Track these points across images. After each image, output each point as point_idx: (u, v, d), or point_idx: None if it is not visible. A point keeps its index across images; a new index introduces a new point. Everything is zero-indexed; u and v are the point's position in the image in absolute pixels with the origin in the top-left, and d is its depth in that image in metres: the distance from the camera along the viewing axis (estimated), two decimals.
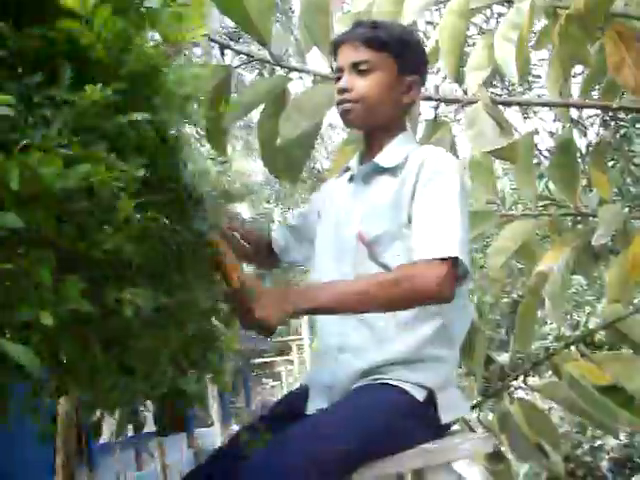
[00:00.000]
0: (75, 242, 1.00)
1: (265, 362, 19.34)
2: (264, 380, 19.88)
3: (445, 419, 1.51)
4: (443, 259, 1.41)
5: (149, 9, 1.24)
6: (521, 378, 2.27)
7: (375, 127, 1.66)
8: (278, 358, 18.95)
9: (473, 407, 2.24)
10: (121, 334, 1.21)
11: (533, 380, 2.72)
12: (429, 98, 2.16)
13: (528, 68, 2.34)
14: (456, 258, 1.42)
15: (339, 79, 1.64)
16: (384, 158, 1.63)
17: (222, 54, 2.33)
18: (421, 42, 1.73)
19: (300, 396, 1.62)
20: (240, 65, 2.28)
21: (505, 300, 5.91)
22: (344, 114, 1.63)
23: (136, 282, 1.13)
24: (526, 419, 2.17)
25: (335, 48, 1.67)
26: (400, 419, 1.45)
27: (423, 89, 1.76)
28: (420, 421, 1.48)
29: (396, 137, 1.66)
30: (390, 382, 1.49)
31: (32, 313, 0.88)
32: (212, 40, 2.27)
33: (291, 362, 18.20)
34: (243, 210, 14.54)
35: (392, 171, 1.60)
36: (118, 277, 1.12)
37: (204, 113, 1.38)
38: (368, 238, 1.57)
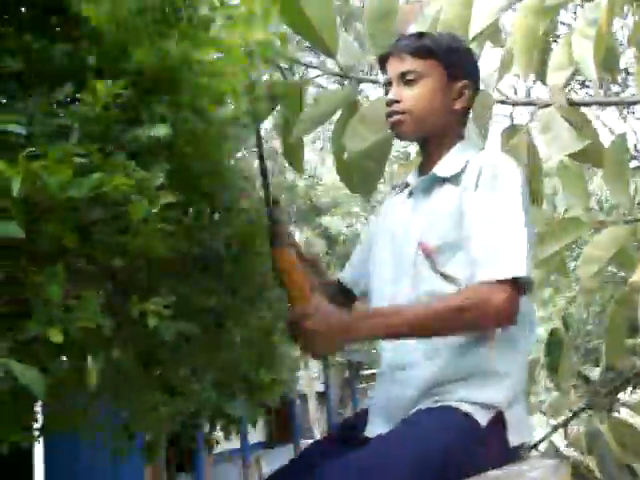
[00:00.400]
0: (92, 253, 1.00)
1: (373, 374, 19.23)
2: (369, 393, 19.80)
3: (514, 441, 1.42)
4: (507, 279, 1.34)
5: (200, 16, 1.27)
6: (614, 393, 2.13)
7: (429, 137, 1.60)
8: None
9: (560, 426, 2.12)
10: (159, 351, 1.21)
11: (627, 396, 2.56)
12: (503, 102, 2.06)
13: (614, 66, 2.20)
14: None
15: (388, 92, 1.60)
16: (442, 168, 1.56)
17: (291, 68, 2.30)
18: (471, 49, 1.66)
19: (362, 418, 1.57)
20: (312, 79, 2.24)
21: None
22: (395, 126, 1.59)
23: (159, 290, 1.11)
24: (618, 438, 2.03)
25: (383, 62, 1.63)
26: (461, 449, 1.35)
27: (497, 93, 1.69)
28: (485, 447, 1.38)
29: (454, 146, 1.59)
30: (451, 404, 1.42)
31: (41, 329, 0.88)
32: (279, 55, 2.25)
33: None
34: (334, 223, 14.49)
35: (452, 180, 1.53)
36: (141, 287, 1.11)
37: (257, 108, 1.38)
38: (430, 248, 1.50)
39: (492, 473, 1.36)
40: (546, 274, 2.85)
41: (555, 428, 2.18)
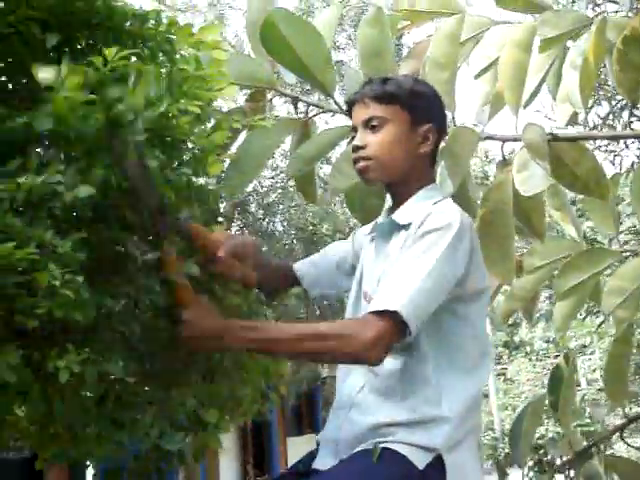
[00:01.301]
0: (8, 313, 1.10)
1: None
2: None
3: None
4: (382, 313, 1.36)
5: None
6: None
7: (394, 182, 1.61)
8: None
9: (562, 466, 2.07)
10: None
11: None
12: (491, 137, 2.04)
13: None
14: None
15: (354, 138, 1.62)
16: (401, 215, 1.57)
17: (295, 106, 2.36)
18: (436, 92, 1.65)
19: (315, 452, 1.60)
20: (313, 116, 2.28)
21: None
22: (361, 172, 1.60)
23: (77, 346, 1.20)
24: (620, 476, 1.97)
25: (349, 108, 1.65)
26: None
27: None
28: None
29: (419, 191, 1.60)
30: (391, 447, 1.43)
31: None
32: (283, 94, 2.33)
33: None
34: None
35: (406, 227, 1.53)
36: (57, 343, 1.20)
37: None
38: (370, 295, 1.53)
39: None
40: (577, 302, 2.78)
41: (556, 470, 2.13)
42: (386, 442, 1.43)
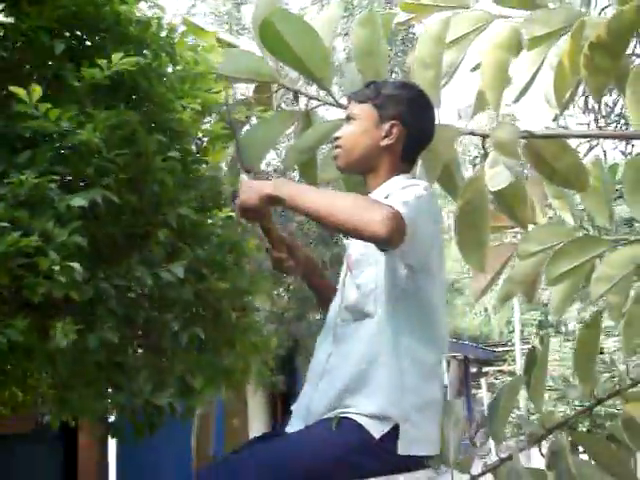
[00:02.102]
0: (18, 290, 1.31)
1: (477, 372, 19.33)
2: (472, 391, 19.75)
3: (403, 451, 1.58)
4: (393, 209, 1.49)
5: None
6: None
7: (366, 171, 1.81)
8: (490, 368, 18.81)
9: (533, 443, 2.23)
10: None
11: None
12: (472, 133, 2.18)
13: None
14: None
15: None
16: (373, 196, 1.75)
17: (296, 98, 2.52)
18: (418, 97, 1.87)
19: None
20: (312, 108, 2.44)
21: None
22: (333, 159, 1.83)
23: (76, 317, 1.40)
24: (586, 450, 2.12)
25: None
26: (348, 454, 1.56)
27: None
28: (372, 457, 1.57)
29: (390, 180, 1.77)
30: (350, 416, 1.59)
31: None
32: (285, 87, 2.48)
33: (503, 372, 17.97)
34: None
35: None
36: (58, 314, 1.41)
37: None
38: (351, 262, 1.73)
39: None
40: (572, 288, 2.89)
41: (524, 445, 2.28)
42: (347, 412, 1.60)
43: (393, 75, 8.20)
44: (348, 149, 1.81)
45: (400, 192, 1.60)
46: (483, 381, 19.36)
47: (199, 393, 1.66)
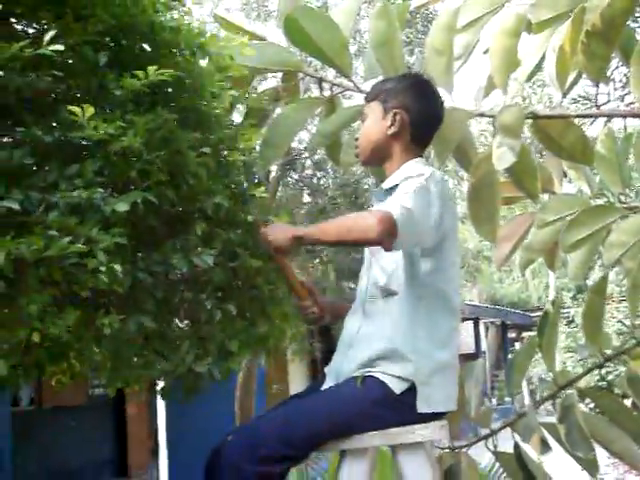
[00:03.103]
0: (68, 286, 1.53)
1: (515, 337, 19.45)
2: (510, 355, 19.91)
3: (421, 409, 1.79)
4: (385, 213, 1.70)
5: None
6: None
7: (379, 161, 2.02)
8: (528, 333, 18.93)
9: (544, 400, 2.42)
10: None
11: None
12: (482, 114, 2.34)
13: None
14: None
15: None
16: (387, 182, 1.95)
17: (320, 86, 2.69)
18: (418, 84, 2.03)
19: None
20: (335, 94, 2.62)
21: None
22: (357, 157, 2.05)
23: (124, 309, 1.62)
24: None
25: None
26: (371, 407, 1.78)
27: None
28: (393, 410, 1.78)
29: (402, 165, 1.95)
30: (374, 375, 1.81)
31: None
32: (310, 75, 2.66)
33: None
34: None
35: (393, 190, 1.89)
36: (103, 306, 1.64)
37: None
38: (373, 248, 1.94)
39: (393, 430, 1.77)
40: (588, 255, 3.04)
41: (538, 402, 2.47)
42: (370, 372, 1.81)
43: (414, 56, 8.28)
44: (363, 145, 2.02)
45: (401, 188, 1.81)
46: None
47: (236, 355, 1.87)
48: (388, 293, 1.89)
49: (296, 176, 7.59)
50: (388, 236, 1.70)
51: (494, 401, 14.23)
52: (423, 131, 2.02)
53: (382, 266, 1.91)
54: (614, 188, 3.10)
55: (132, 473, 8.99)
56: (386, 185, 1.95)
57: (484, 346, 17.59)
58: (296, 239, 1.83)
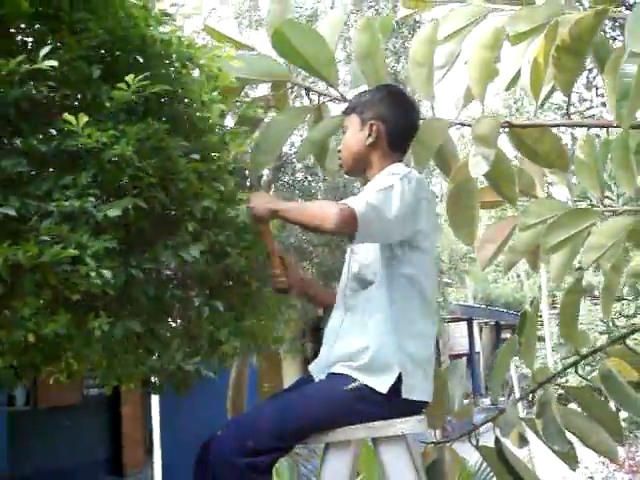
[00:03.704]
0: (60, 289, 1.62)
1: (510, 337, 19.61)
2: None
3: (405, 394, 1.91)
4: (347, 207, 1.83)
5: None
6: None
7: (361, 170, 2.14)
8: None
9: (523, 397, 2.52)
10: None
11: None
12: (461, 124, 2.44)
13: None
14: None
15: None
16: (368, 185, 2.05)
17: (307, 95, 2.78)
18: (393, 95, 2.16)
19: None
20: (322, 103, 2.71)
21: None
22: (340, 167, 2.18)
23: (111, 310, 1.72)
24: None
25: None
26: (354, 402, 1.91)
27: None
28: (373, 405, 1.90)
29: (382, 170, 2.06)
30: (353, 375, 1.92)
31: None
32: (297, 85, 2.75)
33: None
34: None
35: None
36: (93, 309, 1.74)
37: None
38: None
39: (375, 423, 1.88)
40: (568, 257, 3.13)
41: (517, 400, 2.57)
42: (352, 371, 1.92)
43: (400, 64, 8.46)
44: (345, 156, 2.15)
45: (370, 184, 1.96)
46: None
47: (226, 345, 1.96)
48: (365, 283, 2.01)
49: (288, 179, 7.77)
50: (347, 228, 1.82)
51: (488, 400, 14.36)
52: (399, 139, 2.13)
53: (358, 258, 2.04)
54: (593, 192, 3.20)
55: (127, 472, 9.07)
56: (370, 184, 2.05)
57: (478, 346, 17.73)
58: (272, 212, 1.99)
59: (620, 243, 2.86)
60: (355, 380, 1.90)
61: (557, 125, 2.64)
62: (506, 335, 20.16)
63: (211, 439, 1.95)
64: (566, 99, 2.45)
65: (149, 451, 8.31)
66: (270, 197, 2.11)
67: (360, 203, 1.83)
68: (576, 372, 2.52)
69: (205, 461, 1.92)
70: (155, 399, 7.77)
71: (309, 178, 7.80)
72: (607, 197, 3.38)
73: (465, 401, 2.66)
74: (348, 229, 1.82)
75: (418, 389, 1.94)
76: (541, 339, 15.33)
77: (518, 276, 23.84)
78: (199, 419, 7.25)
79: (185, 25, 2.21)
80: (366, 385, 1.89)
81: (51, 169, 1.69)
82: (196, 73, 2.18)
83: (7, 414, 7.14)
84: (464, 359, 3.36)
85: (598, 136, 3.85)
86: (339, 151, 2.18)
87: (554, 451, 2.38)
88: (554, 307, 15.72)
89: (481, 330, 18.65)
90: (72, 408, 8.58)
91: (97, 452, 9.05)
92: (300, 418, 1.88)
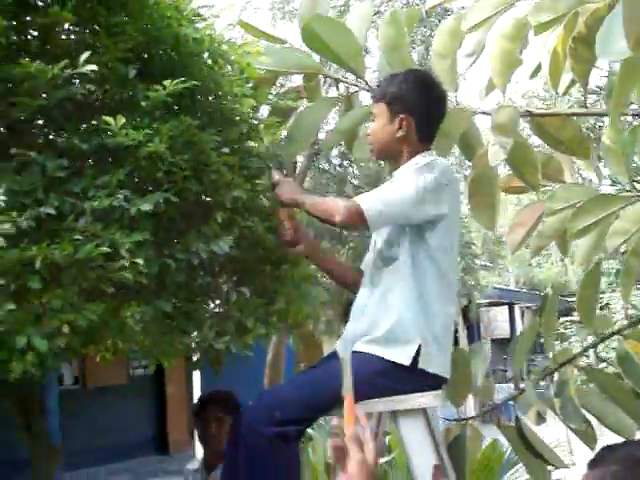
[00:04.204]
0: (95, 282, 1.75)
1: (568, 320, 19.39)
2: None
3: (423, 365, 2.03)
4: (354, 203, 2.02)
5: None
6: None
7: (389, 158, 2.27)
8: (565, 318, 18.87)
9: (541, 377, 2.62)
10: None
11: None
12: (484, 113, 2.52)
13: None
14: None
15: None
16: (397, 172, 2.19)
17: (337, 86, 2.89)
18: (422, 87, 2.22)
19: None
20: (351, 94, 2.82)
21: None
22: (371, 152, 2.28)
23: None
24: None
25: None
26: (375, 377, 2.03)
27: None
28: (393, 380, 2.03)
29: (412, 159, 2.17)
30: (376, 353, 2.04)
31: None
32: (328, 76, 2.86)
33: (573, 322, 18.03)
34: None
35: None
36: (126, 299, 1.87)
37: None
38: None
39: (394, 397, 2.02)
40: (595, 242, 3.19)
41: (537, 380, 2.66)
42: (375, 347, 2.05)
43: (430, 53, 8.49)
44: (375, 145, 2.25)
45: (396, 174, 2.15)
46: None
47: (252, 331, 2.09)
48: (389, 261, 2.13)
49: (323, 166, 7.93)
50: (353, 222, 2.04)
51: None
52: (429, 130, 2.23)
53: (383, 237, 2.16)
54: (620, 178, 3.23)
55: (172, 450, 9.35)
56: (396, 174, 2.19)
57: (519, 331, 17.69)
58: (295, 201, 2.17)
59: None
60: (377, 357, 2.02)
61: (575, 114, 2.70)
62: None
63: (242, 411, 2.09)
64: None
65: (192, 432, 8.55)
66: (297, 187, 2.25)
67: (367, 198, 2.01)
68: (594, 354, 2.59)
69: (237, 432, 2.06)
70: (197, 382, 8.00)
71: (344, 164, 7.96)
72: (636, 181, 3.41)
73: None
74: (354, 222, 2.03)
75: (434, 362, 2.05)
76: (580, 323, 15.16)
77: (562, 260, 23.60)
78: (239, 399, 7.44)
79: (220, 19, 2.33)
80: (387, 359, 2.01)
81: (89, 166, 1.83)
82: (227, 68, 2.30)
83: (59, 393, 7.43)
84: (488, 341, 3.44)
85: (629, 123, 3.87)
86: (368, 135, 2.27)
87: (572, 429, 2.47)
88: (602, 292, 15.56)
89: (523, 314, 18.55)
90: (119, 388, 8.87)
91: (143, 431, 9.35)
92: (323, 391, 2.01)
